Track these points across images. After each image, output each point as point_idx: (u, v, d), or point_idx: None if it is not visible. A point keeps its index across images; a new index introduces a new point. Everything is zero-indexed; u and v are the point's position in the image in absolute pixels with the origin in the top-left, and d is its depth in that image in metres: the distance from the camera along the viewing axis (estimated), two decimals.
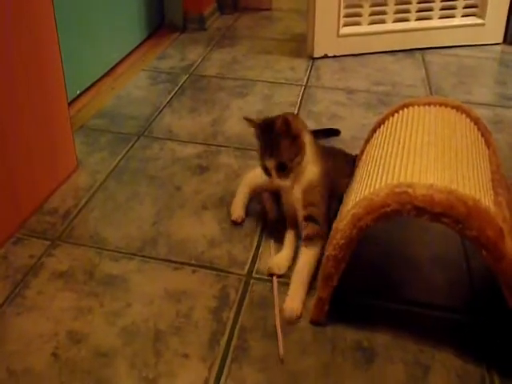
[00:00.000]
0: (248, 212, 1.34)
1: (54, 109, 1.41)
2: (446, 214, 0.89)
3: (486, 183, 1.03)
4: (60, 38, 1.38)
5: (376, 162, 1.09)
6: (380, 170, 1.04)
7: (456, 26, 2.43)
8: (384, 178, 1.00)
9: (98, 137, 1.67)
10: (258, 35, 2.56)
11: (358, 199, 0.99)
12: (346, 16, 2.29)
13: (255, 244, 1.25)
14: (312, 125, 1.73)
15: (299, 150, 1.16)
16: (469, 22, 2.43)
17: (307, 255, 1.13)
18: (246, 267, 1.18)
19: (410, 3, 2.36)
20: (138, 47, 2.31)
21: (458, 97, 1.99)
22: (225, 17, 2.78)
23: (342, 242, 0.97)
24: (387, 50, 2.37)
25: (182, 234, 1.27)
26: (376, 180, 1.01)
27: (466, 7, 2.42)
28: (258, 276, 1.16)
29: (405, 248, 1.26)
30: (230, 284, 1.14)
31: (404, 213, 0.92)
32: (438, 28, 2.41)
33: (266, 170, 1.19)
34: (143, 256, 1.20)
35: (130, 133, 1.69)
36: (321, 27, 2.25)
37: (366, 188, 1.01)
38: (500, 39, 2.48)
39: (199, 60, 2.24)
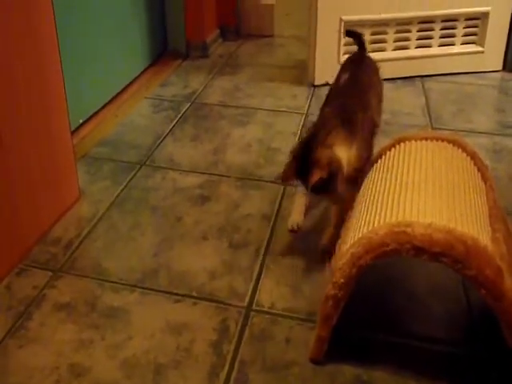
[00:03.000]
0: (248, 243, 1.36)
1: (57, 138, 1.43)
2: (445, 253, 0.91)
3: (483, 219, 1.04)
4: (63, 67, 1.40)
5: (374, 198, 1.11)
6: (378, 207, 1.05)
7: (456, 54, 2.46)
8: (383, 215, 1.01)
9: (101, 165, 1.69)
10: (260, 62, 2.59)
11: (356, 237, 1.00)
12: (347, 44, 2.32)
13: (255, 276, 1.26)
14: None
15: (337, 172, 1.19)
16: (468, 50, 2.47)
17: None
18: (247, 299, 1.19)
19: (409, 31, 2.40)
20: (141, 74, 2.34)
21: (457, 125, 2.01)
22: (227, 43, 2.81)
23: (342, 281, 0.98)
24: (387, 77, 2.38)
25: (182, 265, 1.29)
26: (375, 217, 1.03)
27: (465, 35, 2.46)
28: (257, 308, 1.17)
29: (404, 279, 1.27)
30: (230, 316, 1.15)
31: (403, 252, 0.93)
32: (438, 55, 2.44)
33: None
34: (144, 288, 1.22)
35: (132, 161, 1.71)
36: (321, 55, 2.29)
37: (365, 225, 1.02)
38: (499, 66, 2.51)
39: (201, 88, 2.27)
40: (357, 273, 0.97)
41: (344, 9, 2.23)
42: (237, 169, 1.69)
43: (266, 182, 1.63)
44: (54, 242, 1.36)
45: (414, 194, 1.04)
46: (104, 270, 1.27)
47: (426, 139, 1.25)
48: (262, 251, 1.34)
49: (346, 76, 1.50)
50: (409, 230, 0.93)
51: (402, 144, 1.27)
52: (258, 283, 1.24)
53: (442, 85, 2.36)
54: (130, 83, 2.23)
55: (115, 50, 2.12)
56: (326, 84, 2.32)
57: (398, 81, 2.38)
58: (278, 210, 1.50)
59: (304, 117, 2.05)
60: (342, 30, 2.27)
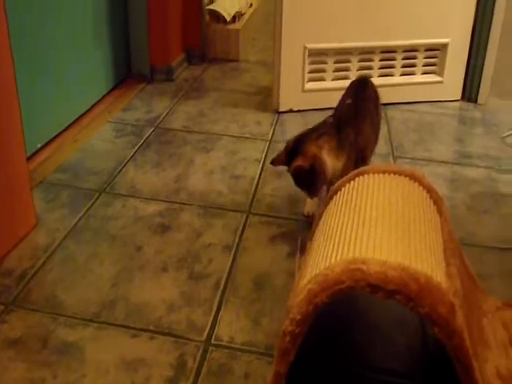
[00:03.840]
0: (208, 274, 1.35)
1: (12, 163, 1.40)
2: (399, 291, 0.91)
3: (438, 254, 1.06)
4: (20, 89, 1.38)
5: (332, 232, 1.11)
6: (336, 242, 1.06)
7: (416, 83, 2.52)
8: (339, 251, 1.02)
9: (59, 192, 1.66)
10: (225, 87, 2.60)
11: (314, 273, 1.00)
12: (311, 72, 2.36)
13: (215, 308, 1.25)
14: (277, 183, 1.77)
15: (320, 173, 1.39)
16: (428, 80, 2.53)
17: None
18: (205, 333, 1.18)
19: (372, 60, 2.44)
20: (103, 98, 2.32)
21: (417, 154, 2.05)
22: (193, 67, 2.82)
23: (299, 317, 0.97)
24: None
25: (140, 297, 1.27)
26: (332, 252, 1.03)
27: (425, 65, 2.52)
28: (216, 342, 1.16)
29: (365, 312, 1.27)
30: (187, 351, 1.13)
31: (358, 289, 0.93)
32: (400, 84, 2.50)
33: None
34: (100, 322, 1.19)
35: (91, 189, 1.69)
36: (286, 82, 2.31)
37: (322, 261, 1.03)
38: (458, 96, 2.58)
39: (165, 112, 2.27)
40: (313, 310, 0.97)
41: (308, 37, 2.27)
42: (199, 197, 1.69)
43: (228, 210, 1.62)
44: (7, 273, 1.33)
45: (370, 230, 1.05)
46: (59, 304, 1.24)
47: (384, 173, 1.27)
48: (223, 283, 1.33)
49: (349, 101, 1.61)
50: (364, 267, 0.94)
51: (361, 177, 1.28)
52: (217, 316, 1.23)
53: (404, 113, 2.41)
54: (92, 107, 2.21)
55: (76, 72, 2.10)
56: (290, 111, 2.35)
57: None
58: (240, 240, 1.49)
59: (268, 143, 2.06)
60: (307, 57, 2.30)
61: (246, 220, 1.58)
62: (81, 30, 2.12)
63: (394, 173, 1.27)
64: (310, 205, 1.59)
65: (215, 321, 1.21)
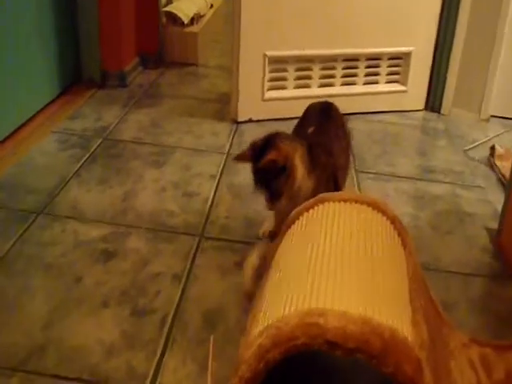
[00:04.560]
0: (154, 309, 1.23)
1: None
2: (360, 349, 0.81)
3: (403, 298, 0.97)
4: None
5: (287, 271, 1.01)
6: (291, 286, 0.95)
7: (380, 93, 2.46)
8: (295, 297, 0.91)
9: None
10: (182, 94, 2.47)
11: (266, 323, 0.90)
12: (271, 80, 2.26)
13: (159, 351, 1.13)
14: (232, 203, 1.66)
15: (288, 177, 1.26)
16: (392, 89, 2.48)
17: None
18: (147, 382, 1.06)
19: (334, 68, 2.36)
20: (48, 105, 2.15)
21: (380, 168, 1.98)
22: (148, 72, 2.68)
23: (248, 375, 0.86)
24: None
25: (76, 339, 1.14)
26: (286, 298, 0.92)
27: (389, 74, 2.46)
28: None
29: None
30: None
31: (315, 346, 0.83)
32: (363, 94, 2.43)
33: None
34: (27, 371, 1.05)
35: (28, 210, 1.54)
36: (245, 91, 2.20)
37: (275, 308, 0.92)
38: (422, 106, 2.54)
39: (116, 121, 2.13)
40: (265, 367, 0.86)
41: (268, 44, 2.17)
42: (148, 218, 1.56)
43: (180, 233, 1.51)
44: None
45: (329, 273, 0.95)
46: None
47: (346, 201, 1.17)
48: (170, 319, 1.21)
49: (311, 129, 1.47)
50: (321, 321, 0.83)
51: (321, 205, 1.18)
52: (161, 360, 1.11)
53: (367, 124, 2.34)
54: (34, 116, 2.04)
55: (16, 76, 1.93)
56: (250, 121, 2.24)
57: None
58: (191, 268, 1.38)
59: (225, 157, 1.95)
60: (267, 65, 2.19)
61: (199, 244, 1.47)
62: (23, 29, 1.95)
63: (356, 201, 1.18)
64: (265, 225, 1.49)
65: (159, 366, 1.09)
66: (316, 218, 1.14)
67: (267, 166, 1.24)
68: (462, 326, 1.24)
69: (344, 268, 0.96)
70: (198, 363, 1.11)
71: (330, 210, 1.15)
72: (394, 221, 1.16)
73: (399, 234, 1.15)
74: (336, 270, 0.96)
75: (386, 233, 1.12)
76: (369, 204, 1.17)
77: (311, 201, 1.21)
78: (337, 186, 1.40)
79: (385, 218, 1.16)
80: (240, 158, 1.33)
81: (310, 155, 1.31)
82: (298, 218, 1.20)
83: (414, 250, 1.16)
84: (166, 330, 1.18)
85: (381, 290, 0.93)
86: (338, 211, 1.14)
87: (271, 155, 1.24)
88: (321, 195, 1.22)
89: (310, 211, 1.19)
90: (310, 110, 1.59)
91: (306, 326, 0.83)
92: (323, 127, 1.49)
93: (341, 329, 0.82)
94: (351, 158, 2.00)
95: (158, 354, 1.12)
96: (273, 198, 1.29)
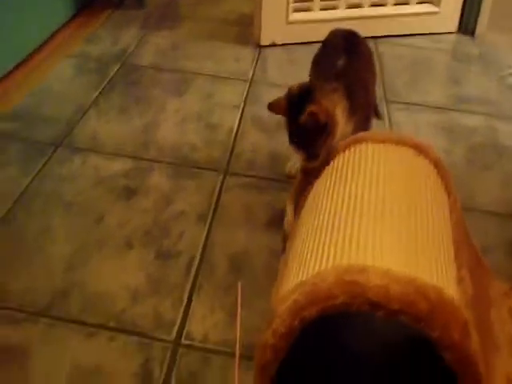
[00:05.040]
0: (179, 252, 1.18)
1: None
2: (405, 311, 0.76)
3: (448, 253, 0.90)
4: None
5: (323, 219, 0.94)
6: (327, 237, 0.89)
7: (410, 14, 2.29)
8: (332, 251, 0.85)
9: (6, 146, 1.44)
10: (201, 15, 2.32)
11: (301, 276, 0.84)
12: (296, 1, 2.10)
13: (186, 297, 1.09)
14: (257, 136, 1.57)
15: (329, 134, 1.14)
16: (423, 10, 2.30)
17: None
18: (175, 330, 1.03)
19: None
20: (62, 27, 2.03)
21: (411, 98, 1.86)
22: None
23: (283, 330, 0.82)
24: None
25: (100, 284, 1.10)
26: (322, 251, 0.86)
27: None
28: (187, 342, 1.01)
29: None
30: (154, 356, 0.98)
31: (355, 306, 0.78)
32: (392, 16, 2.26)
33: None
34: (51, 317, 1.02)
35: (46, 142, 1.47)
36: (268, 13, 2.05)
37: (311, 260, 0.86)
38: (454, 28, 2.37)
39: (134, 44, 2.01)
40: (300, 324, 0.81)
41: None
42: (169, 152, 1.49)
43: (203, 169, 1.44)
44: None
45: (368, 224, 0.88)
46: (2, 294, 1.06)
47: (385, 142, 1.09)
48: (196, 263, 1.16)
49: (342, 60, 1.32)
50: (362, 278, 0.78)
51: (358, 146, 1.10)
52: (188, 307, 1.07)
53: (396, 48, 2.19)
54: (48, 39, 1.92)
55: None
56: (273, 45, 2.11)
57: None
58: (216, 208, 1.32)
59: (248, 85, 1.84)
60: None
61: (223, 181, 1.40)
62: None
63: (397, 143, 1.09)
64: (292, 163, 1.41)
65: (186, 314, 1.06)
66: (353, 162, 1.05)
67: (308, 123, 1.11)
68: (500, 272, 1.18)
69: (385, 219, 0.89)
70: (225, 311, 1.07)
71: (368, 153, 1.06)
72: (437, 164, 1.08)
73: (443, 179, 1.07)
74: (376, 221, 0.89)
75: (429, 178, 1.04)
76: (410, 146, 1.08)
77: (348, 140, 1.13)
78: (368, 123, 1.31)
79: (427, 162, 1.08)
80: (274, 107, 1.18)
81: (349, 99, 1.19)
82: (333, 160, 1.12)
83: (457, 195, 1.08)
84: (192, 274, 1.14)
85: (425, 245, 0.87)
86: (377, 154, 1.05)
87: (313, 108, 1.09)
88: (358, 134, 1.13)
89: (347, 152, 1.11)
90: (333, 39, 1.45)
91: (346, 285, 0.78)
92: (353, 59, 1.35)
93: (383, 288, 0.77)
94: (381, 87, 1.91)
95: (185, 301, 1.08)
96: (310, 157, 1.15)
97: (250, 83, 1.85)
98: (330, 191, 1.02)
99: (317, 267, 0.84)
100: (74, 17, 2.11)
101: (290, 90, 1.16)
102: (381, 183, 0.98)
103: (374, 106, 1.34)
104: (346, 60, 1.31)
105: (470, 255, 1.05)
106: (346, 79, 1.24)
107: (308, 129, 1.11)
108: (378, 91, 1.86)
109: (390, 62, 2.08)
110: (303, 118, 1.10)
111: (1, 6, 1.65)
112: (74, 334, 1.00)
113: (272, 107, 1.18)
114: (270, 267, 1.13)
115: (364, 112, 1.25)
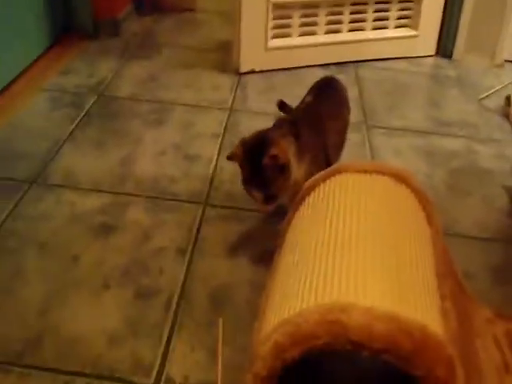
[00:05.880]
0: (158, 289, 1.15)
1: None
2: (388, 350, 0.74)
3: (431, 285, 0.88)
4: None
5: (303, 254, 0.92)
6: (309, 273, 0.86)
7: (389, 38, 2.32)
8: (313, 288, 0.82)
9: None
10: (179, 43, 2.32)
11: (282, 314, 0.82)
12: (275, 27, 2.11)
13: (165, 337, 1.05)
14: (237, 165, 1.55)
15: (287, 175, 1.18)
16: (402, 34, 2.33)
17: None
18: (154, 373, 0.99)
19: (342, 14, 2.21)
20: (37, 59, 2.00)
21: (392, 122, 1.86)
22: (143, 19, 2.51)
23: (264, 373, 0.79)
24: (319, 63, 2.21)
25: (75, 327, 1.06)
26: (304, 287, 0.84)
27: (399, 18, 2.32)
28: None
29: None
30: None
31: (338, 346, 0.75)
32: (371, 40, 2.29)
33: (252, 195, 1.21)
34: (24, 366, 0.98)
35: (20, 178, 1.44)
36: (247, 40, 2.06)
37: (292, 298, 0.84)
38: (433, 51, 2.40)
39: (110, 76, 1.99)
40: (282, 365, 0.79)
41: None
42: (148, 184, 1.46)
43: (182, 201, 1.41)
44: None
45: (351, 258, 0.86)
46: None
47: (366, 172, 1.07)
48: (175, 300, 1.13)
49: (309, 98, 1.39)
50: (344, 318, 0.75)
51: (338, 176, 1.08)
52: (168, 347, 1.03)
53: (376, 72, 2.21)
54: (22, 72, 1.89)
55: (1, 28, 1.78)
56: (252, 72, 2.10)
57: (331, 66, 2.20)
58: (196, 241, 1.29)
59: (228, 114, 1.82)
60: (270, 11, 2.04)
61: (203, 214, 1.37)
62: None
63: (377, 172, 1.07)
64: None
65: (166, 355, 1.02)
66: (333, 193, 1.03)
67: (270, 164, 1.15)
68: (484, 298, 1.16)
69: (367, 253, 0.87)
70: (207, 349, 1.03)
71: (348, 184, 1.04)
72: (418, 194, 1.06)
73: (424, 209, 1.05)
74: (358, 255, 0.87)
75: (411, 209, 1.02)
76: (391, 175, 1.07)
77: (326, 171, 1.11)
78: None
79: (409, 191, 1.06)
80: (233, 157, 1.22)
81: (298, 139, 1.22)
82: (314, 190, 1.10)
83: (439, 223, 1.06)
84: (171, 312, 1.10)
85: (408, 278, 0.85)
86: (357, 185, 1.04)
87: (273, 151, 1.15)
88: (337, 165, 1.12)
89: (327, 182, 1.09)
90: (314, 84, 1.48)
91: (328, 324, 0.75)
92: (320, 98, 1.39)
93: (366, 328, 0.74)
94: (361, 111, 1.91)
95: (165, 341, 1.04)
96: (269, 199, 1.19)
97: (230, 111, 1.84)
98: (310, 225, 1.00)
99: (298, 304, 0.81)
100: (48, 49, 2.09)
101: (243, 138, 1.22)
102: (362, 216, 0.96)
103: (326, 154, 1.33)
104: (312, 98, 1.36)
105: (453, 285, 1.03)
106: (301, 118, 1.29)
107: (268, 171, 1.16)
108: (359, 116, 1.86)
109: (369, 85, 2.08)
110: (265, 160, 1.14)
111: None
112: (48, 383, 0.96)
113: (232, 157, 1.22)
114: (252, 301, 1.10)
115: (316, 153, 1.27)
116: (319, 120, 1.33)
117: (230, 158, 1.22)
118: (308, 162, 1.22)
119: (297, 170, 1.21)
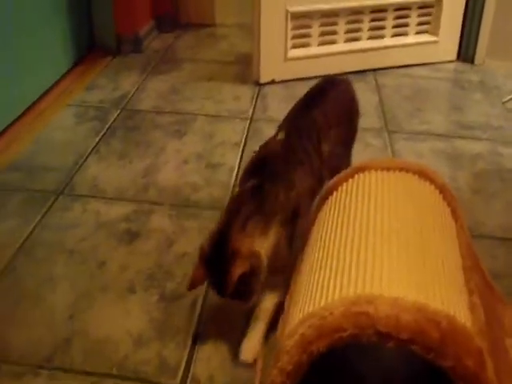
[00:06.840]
0: (183, 293, 1.15)
1: None
2: (415, 340, 0.72)
3: (457, 278, 0.87)
4: None
5: (327, 251, 0.91)
6: (333, 268, 0.86)
7: (409, 45, 2.31)
8: (338, 282, 0.82)
9: (9, 197, 1.43)
10: (200, 57, 2.35)
11: (307, 309, 0.81)
12: (294, 37, 2.12)
13: (190, 339, 1.05)
14: None
15: (259, 272, 0.97)
16: (422, 40, 2.32)
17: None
18: (180, 374, 0.99)
19: (361, 22, 2.22)
20: (63, 76, 2.05)
21: (414, 127, 1.85)
22: (164, 35, 2.56)
23: (290, 368, 0.78)
24: (339, 72, 2.21)
25: (102, 330, 1.07)
26: (329, 283, 0.83)
27: (418, 24, 2.31)
28: None
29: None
30: None
31: (364, 338, 0.74)
32: (391, 47, 2.28)
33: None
34: (52, 368, 0.99)
35: (47, 190, 1.46)
36: (267, 51, 2.08)
37: (317, 293, 0.83)
38: (453, 57, 2.38)
39: (133, 90, 2.03)
40: (308, 359, 0.78)
41: None
42: (171, 193, 1.48)
43: (205, 209, 1.42)
44: None
45: (375, 253, 0.85)
46: (2, 347, 1.03)
47: (389, 169, 1.07)
48: (200, 303, 1.13)
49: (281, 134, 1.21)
50: (371, 309, 0.74)
51: (361, 175, 1.08)
52: (193, 349, 1.03)
53: (396, 79, 2.20)
54: (49, 89, 1.94)
55: (29, 49, 1.83)
56: (273, 82, 2.12)
57: (350, 75, 2.19)
58: None
59: (248, 123, 1.84)
60: (289, 22, 2.06)
61: None
62: (32, 2, 1.84)
63: (400, 169, 1.07)
64: (250, 343, 1.03)
65: (191, 356, 1.02)
66: (356, 191, 1.03)
67: (240, 281, 0.94)
68: (510, 299, 1.14)
69: (392, 247, 0.86)
70: (230, 350, 1.03)
71: (372, 181, 1.04)
72: (443, 190, 1.05)
73: (449, 205, 1.04)
74: (383, 249, 0.86)
75: (436, 204, 1.01)
76: (414, 172, 1.06)
77: (350, 169, 1.11)
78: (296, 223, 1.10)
79: (433, 187, 1.05)
80: (195, 282, 1.00)
81: (263, 206, 1.01)
82: (336, 190, 1.10)
83: (464, 219, 1.05)
84: (196, 315, 1.11)
85: (434, 271, 0.84)
86: (381, 182, 1.03)
87: (237, 268, 0.93)
88: (359, 163, 1.11)
89: (350, 181, 1.08)
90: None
91: (354, 316, 0.74)
92: (313, 109, 1.25)
93: (393, 318, 0.73)
94: (382, 118, 1.90)
95: (190, 343, 1.05)
96: (249, 300, 0.98)
97: (251, 121, 1.85)
98: (334, 222, 0.99)
99: (324, 299, 0.81)
100: (73, 66, 2.14)
101: (201, 247, 0.99)
102: (386, 211, 0.95)
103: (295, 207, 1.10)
104: (286, 131, 1.22)
105: (480, 281, 1.01)
106: (266, 178, 1.07)
107: (238, 285, 0.94)
108: (379, 122, 1.86)
109: (390, 92, 2.08)
110: (231, 283, 0.93)
111: (1, 57, 1.67)
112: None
113: (193, 284, 1.00)
114: None
115: (283, 216, 1.05)
116: (291, 166, 1.13)
117: (190, 288, 1.00)
118: (275, 231, 1.01)
119: (265, 245, 0.99)
